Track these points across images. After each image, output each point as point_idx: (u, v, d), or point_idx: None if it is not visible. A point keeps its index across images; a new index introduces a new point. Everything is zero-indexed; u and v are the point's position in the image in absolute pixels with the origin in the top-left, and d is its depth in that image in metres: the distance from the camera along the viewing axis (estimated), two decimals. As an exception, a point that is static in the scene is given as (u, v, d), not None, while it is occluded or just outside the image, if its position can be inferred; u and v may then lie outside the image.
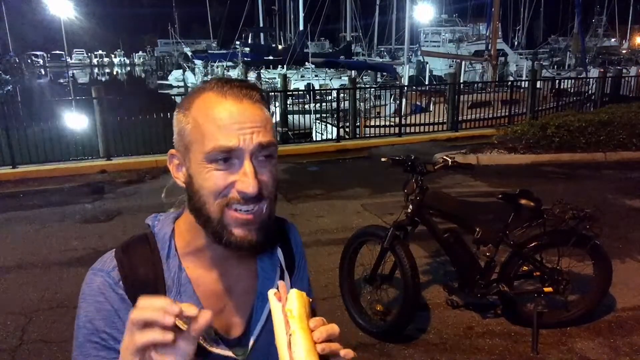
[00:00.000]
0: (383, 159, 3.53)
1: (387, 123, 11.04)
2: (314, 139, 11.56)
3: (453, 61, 21.67)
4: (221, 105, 0.79)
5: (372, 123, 11.20)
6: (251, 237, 0.81)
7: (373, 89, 14.26)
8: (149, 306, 0.65)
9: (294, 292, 0.78)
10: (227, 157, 0.78)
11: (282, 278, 0.94)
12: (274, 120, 12.43)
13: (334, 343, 0.76)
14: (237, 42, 26.82)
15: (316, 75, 20.16)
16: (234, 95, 0.80)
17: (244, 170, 0.78)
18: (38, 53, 60.32)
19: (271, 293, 0.79)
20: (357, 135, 10.86)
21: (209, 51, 33.05)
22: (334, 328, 0.77)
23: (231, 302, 0.90)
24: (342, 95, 10.82)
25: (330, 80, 19.20)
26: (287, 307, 0.77)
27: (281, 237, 1.00)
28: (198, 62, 30.45)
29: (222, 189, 0.79)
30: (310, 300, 0.80)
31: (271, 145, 0.81)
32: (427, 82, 16.01)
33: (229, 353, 0.87)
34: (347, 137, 10.72)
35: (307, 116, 11.87)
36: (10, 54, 52.35)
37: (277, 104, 12.92)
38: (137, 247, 0.87)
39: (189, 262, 0.87)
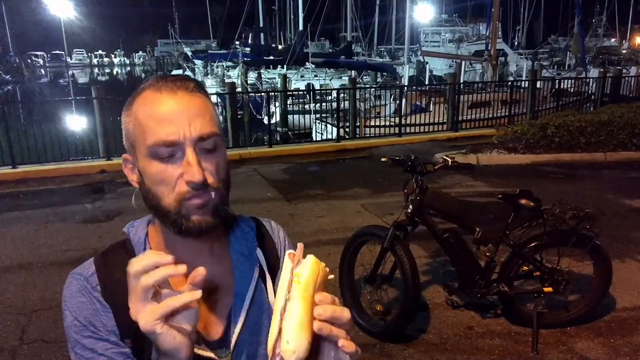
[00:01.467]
0: (383, 159, 3.53)
1: (387, 123, 11.05)
2: (314, 139, 11.56)
3: (453, 61, 21.69)
4: (157, 99, 0.80)
5: (372, 123, 11.20)
6: (207, 220, 0.82)
7: (373, 89, 14.26)
8: (145, 256, 0.70)
9: (311, 258, 0.73)
10: (168, 150, 0.79)
11: (261, 277, 0.93)
12: (273, 120, 12.53)
13: (336, 328, 0.71)
14: (237, 42, 26.82)
15: (316, 75, 20.17)
16: (168, 88, 0.81)
17: (187, 160, 0.78)
18: (38, 53, 60.28)
19: (287, 256, 0.75)
20: (357, 135, 10.86)
21: (209, 51, 33.03)
22: (343, 312, 0.72)
23: (208, 301, 0.89)
24: (342, 95, 10.82)
25: (330, 80, 19.21)
26: (296, 270, 0.72)
27: (262, 239, 0.98)
28: (198, 62, 30.47)
29: (171, 182, 0.80)
30: (328, 275, 0.75)
31: (212, 136, 0.81)
32: (427, 82, 16.02)
33: (211, 354, 0.86)
34: (347, 137, 10.72)
35: (307, 116, 11.87)
36: (10, 54, 52.35)
37: (277, 104, 12.93)
38: (114, 253, 0.89)
39: None
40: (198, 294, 0.70)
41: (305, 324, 0.67)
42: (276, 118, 12.80)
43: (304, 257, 0.74)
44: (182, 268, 0.69)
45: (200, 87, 0.85)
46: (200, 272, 0.72)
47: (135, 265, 0.69)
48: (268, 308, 0.93)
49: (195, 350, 0.84)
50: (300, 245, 0.77)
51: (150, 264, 0.68)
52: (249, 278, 0.92)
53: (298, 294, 0.69)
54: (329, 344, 0.73)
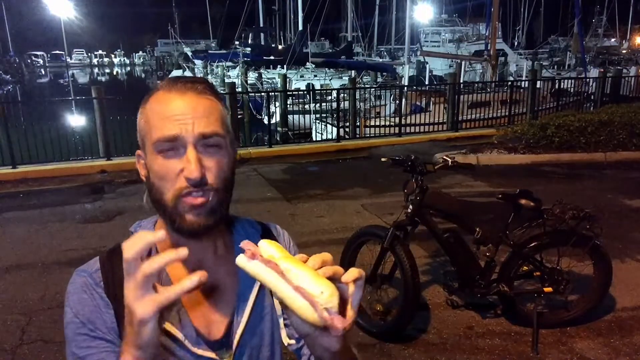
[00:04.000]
0: (383, 159, 3.53)
1: (387, 123, 11.04)
2: (314, 139, 11.55)
3: (453, 61, 21.68)
4: (166, 99, 0.83)
5: (372, 123, 11.20)
6: (200, 221, 0.82)
7: (373, 89, 14.26)
8: (139, 237, 0.67)
9: (264, 242, 0.72)
10: (171, 146, 0.81)
11: None
12: (273, 120, 12.53)
13: (334, 266, 0.71)
14: (237, 42, 26.83)
15: (316, 75, 20.16)
16: (178, 89, 0.83)
17: (187, 157, 0.80)
18: (38, 53, 60.38)
19: (240, 258, 0.71)
20: (357, 135, 10.85)
21: (209, 51, 33.04)
22: (325, 255, 0.72)
23: (210, 300, 0.90)
24: (342, 95, 10.82)
25: (330, 80, 19.20)
26: (267, 255, 0.70)
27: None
28: (198, 62, 30.45)
29: (172, 177, 0.81)
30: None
31: (214, 135, 0.82)
32: (427, 82, 16.02)
33: (212, 355, 0.86)
34: (347, 137, 10.71)
35: (307, 116, 11.87)
36: (10, 54, 52.39)
37: (277, 104, 12.93)
38: (120, 252, 0.87)
39: None
40: (196, 278, 0.66)
41: (316, 275, 0.67)
42: (276, 118, 12.80)
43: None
44: (184, 252, 0.66)
45: (210, 89, 0.87)
46: (179, 254, 0.67)
47: (129, 249, 0.66)
48: (270, 310, 0.94)
49: (196, 350, 0.85)
50: (246, 242, 0.74)
51: (144, 246, 0.66)
52: (252, 279, 0.90)
53: (288, 263, 0.68)
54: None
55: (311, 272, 0.67)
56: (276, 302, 0.92)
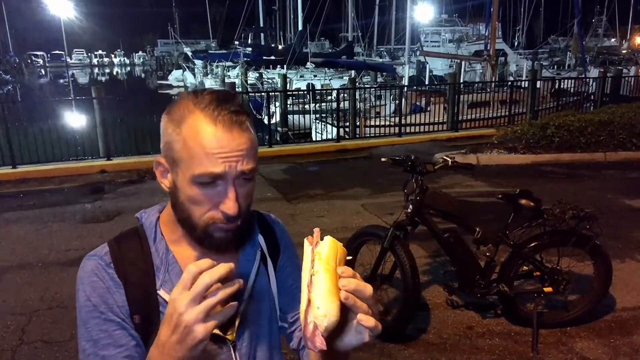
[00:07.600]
0: (383, 159, 3.53)
1: (387, 123, 11.04)
2: (314, 139, 11.55)
3: (453, 61, 21.68)
4: (211, 132, 0.83)
5: (372, 123, 11.20)
6: (229, 240, 0.90)
7: (373, 89, 14.26)
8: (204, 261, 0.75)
9: (328, 238, 0.79)
10: (212, 181, 0.84)
11: (262, 261, 1.02)
12: (273, 120, 12.51)
13: (360, 301, 0.75)
14: (236, 42, 26.87)
15: (315, 76, 20.17)
16: (224, 122, 0.83)
17: (228, 195, 0.85)
18: (38, 53, 60.41)
19: (306, 239, 0.80)
20: (357, 135, 10.85)
21: (209, 51, 33.03)
22: (366, 287, 0.76)
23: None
24: (342, 95, 10.81)
25: (330, 80, 19.21)
26: (316, 249, 0.77)
27: (263, 227, 1.08)
28: (198, 62, 30.44)
29: (206, 206, 0.86)
30: (346, 254, 0.80)
31: (252, 171, 0.88)
32: (427, 82, 16.02)
33: (218, 332, 0.91)
34: (347, 137, 10.71)
35: (307, 116, 11.86)
36: (10, 54, 52.42)
37: (277, 104, 12.93)
38: (127, 236, 0.96)
39: (173, 246, 0.95)
40: (234, 287, 0.74)
41: (332, 291, 0.71)
42: (276, 118, 12.79)
43: (322, 239, 0.80)
44: (231, 265, 0.75)
45: (251, 122, 0.88)
46: (231, 267, 0.75)
47: (198, 265, 0.74)
48: (268, 290, 1.02)
49: None
50: (316, 230, 0.82)
51: (210, 265, 0.74)
52: (251, 261, 1.00)
53: (321, 268, 0.73)
54: (354, 316, 0.77)
55: (331, 288, 0.72)
56: (273, 285, 1.03)
